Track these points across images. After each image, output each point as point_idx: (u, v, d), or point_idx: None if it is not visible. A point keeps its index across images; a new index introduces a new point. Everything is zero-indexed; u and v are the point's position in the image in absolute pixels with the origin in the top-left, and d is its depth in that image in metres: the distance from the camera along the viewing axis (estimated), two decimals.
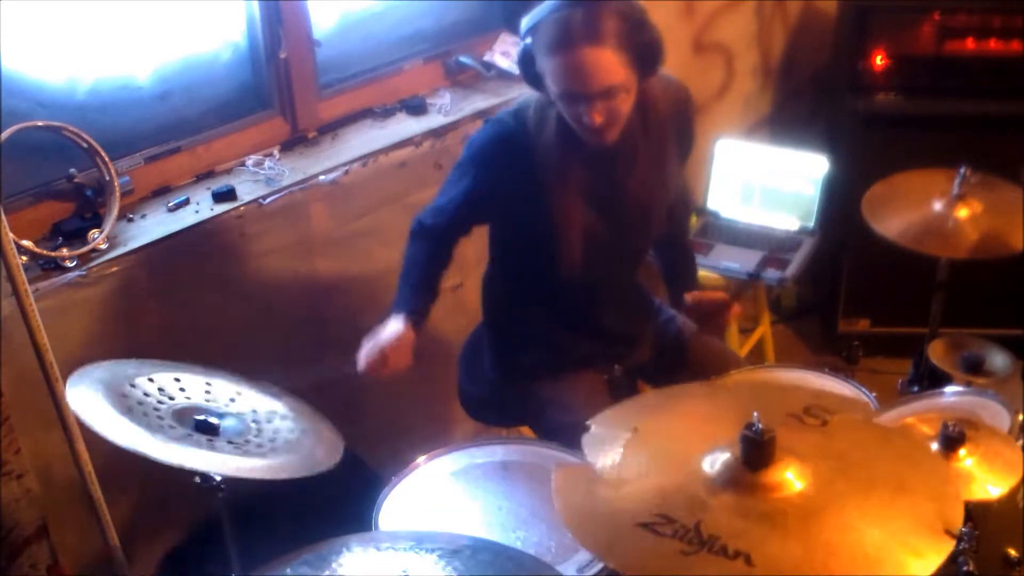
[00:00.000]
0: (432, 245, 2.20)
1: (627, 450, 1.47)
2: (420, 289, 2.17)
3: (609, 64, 1.89)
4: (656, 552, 1.27)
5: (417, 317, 2.11)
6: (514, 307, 2.27)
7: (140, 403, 1.69)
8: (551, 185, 2.05)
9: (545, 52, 1.91)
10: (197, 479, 1.65)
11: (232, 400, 1.81)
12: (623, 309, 2.29)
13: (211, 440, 1.67)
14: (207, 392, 1.80)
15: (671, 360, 2.34)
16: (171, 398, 1.75)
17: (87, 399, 1.64)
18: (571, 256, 2.10)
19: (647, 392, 2.37)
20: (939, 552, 1.26)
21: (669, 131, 2.13)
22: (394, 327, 2.07)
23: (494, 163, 2.08)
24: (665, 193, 2.19)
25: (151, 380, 1.76)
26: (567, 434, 2.13)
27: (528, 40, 1.94)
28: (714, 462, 1.40)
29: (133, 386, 1.72)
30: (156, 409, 1.70)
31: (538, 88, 2.00)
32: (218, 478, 1.65)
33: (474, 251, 2.78)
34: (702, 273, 2.99)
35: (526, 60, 1.97)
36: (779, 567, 1.24)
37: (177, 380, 1.79)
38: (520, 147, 2.04)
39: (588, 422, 1.56)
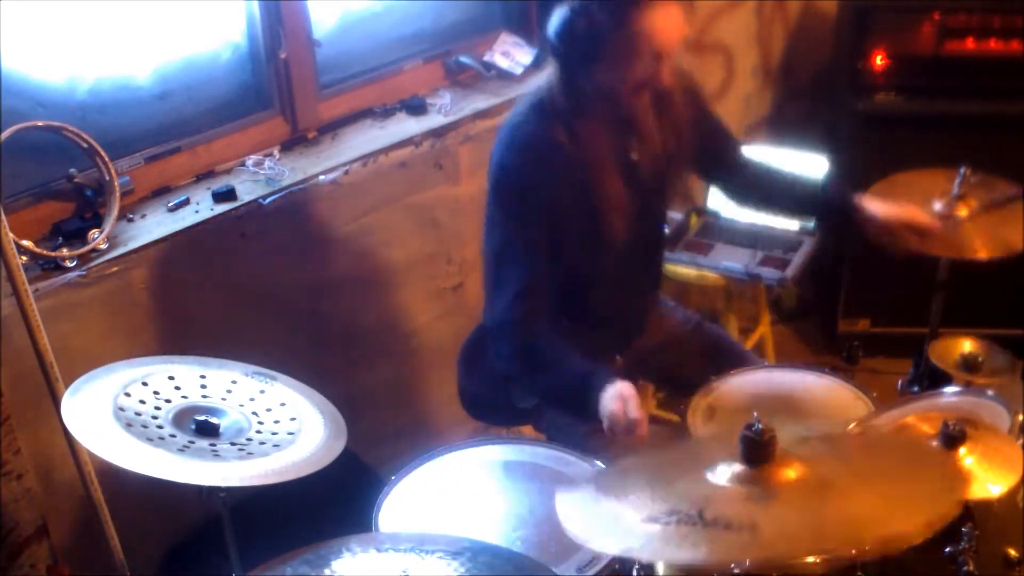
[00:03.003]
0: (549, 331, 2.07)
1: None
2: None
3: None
4: (662, 535, 1.28)
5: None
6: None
7: (138, 413, 1.67)
8: (593, 162, 2.05)
9: (628, 6, 1.90)
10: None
11: (229, 391, 1.80)
12: (635, 290, 2.30)
13: (214, 445, 1.66)
14: (203, 386, 1.79)
15: (672, 354, 2.34)
16: (168, 400, 1.74)
17: (87, 423, 1.62)
18: (615, 227, 2.09)
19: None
20: (949, 510, 1.27)
21: (683, 113, 2.13)
22: (620, 391, 1.91)
23: (540, 183, 2.03)
24: (680, 167, 2.21)
25: (145, 384, 1.75)
26: (572, 431, 2.14)
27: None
28: (715, 470, 1.40)
29: (128, 395, 1.70)
30: (155, 417, 1.68)
31: (577, 56, 1.96)
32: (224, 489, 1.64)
33: (474, 251, 2.79)
34: (703, 273, 3.00)
35: (579, 21, 1.92)
36: (784, 531, 1.25)
37: (171, 378, 1.79)
38: (554, 142, 2.03)
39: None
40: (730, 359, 2.28)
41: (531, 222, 2.04)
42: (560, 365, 2.02)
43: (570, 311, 2.21)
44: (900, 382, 2.67)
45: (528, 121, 2.05)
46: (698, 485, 1.39)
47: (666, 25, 1.93)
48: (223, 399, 1.78)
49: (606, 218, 2.09)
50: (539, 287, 2.05)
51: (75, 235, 2.15)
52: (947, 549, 1.58)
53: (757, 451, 1.37)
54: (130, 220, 2.25)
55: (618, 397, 1.89)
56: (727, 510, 1.31)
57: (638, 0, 1.90)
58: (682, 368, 2.31)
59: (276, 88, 2.51)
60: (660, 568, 1.60)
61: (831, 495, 1.32)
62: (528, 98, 2.09)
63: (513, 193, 2.05)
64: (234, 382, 1.82)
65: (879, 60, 3.13)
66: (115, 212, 2.18)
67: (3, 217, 1.85)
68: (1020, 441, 1.81)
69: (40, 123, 2.08)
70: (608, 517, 1.38)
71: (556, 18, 1.97)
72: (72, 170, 2.18)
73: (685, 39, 1.97)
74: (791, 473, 1.36)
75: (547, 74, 2.06)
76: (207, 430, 1.69)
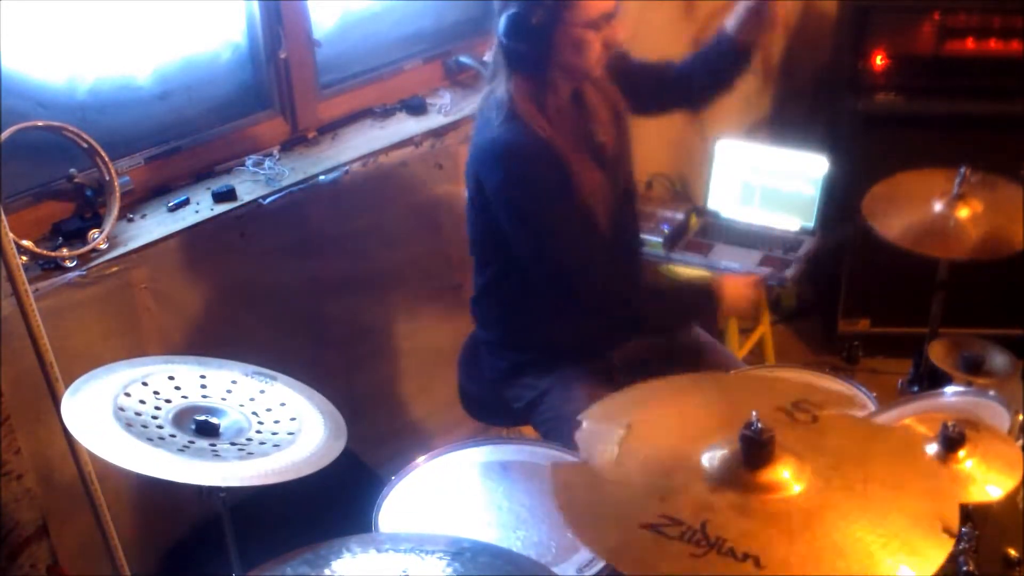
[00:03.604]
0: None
1: (622, 447, 1.47)
2: None
3: None
4: (666, 555, 1.28)
5: None
6: (520, 310, 2.27)
7: (138, 413, 1.67)
8: (571, 154, 2.09)
9: None
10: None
11: (229, 391, 1.80)
12: (622, 279, 2.31)
13: (214, 445, 1.66)
14: (203, 386, 1.79)
15: (670, 360, 2.35)
16: (168, 400, 1.73)
17: (87, 423, 1.61)
18: (598, 215, 2.14)
19: (636, 386, 2.36)
20: (940, 552, 1.27)
21: (611, 85, 2.22)
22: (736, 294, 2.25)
23: (542, 181, 2.08)
24: (629, 139, 2.28)
25: (145, 384, 1.75)
26: (567, 425, 2.15)
27: None
28: (713, 459, 1.40)
29: (128, 395, 1.70)
30: (155, 417, 1.68)
31: (536, 49, 2.03)
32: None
33: None
34: (703, 273, 3.00)
35: (530, 15, 2.00)
36: (787, 570, 1.24)
37: (171, 379, 1.79)
38: (539, 143, 2.06)
39: (579, 417, 1.56)
40: (722, 369, 2.28)
41: (554, 205, 2.09)
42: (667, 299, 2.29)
43: (562, 305, 2.22)
44: (900, 382, 2.67)
45: (510, 130, 2.07)
46: (697, 485, 1.39)
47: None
48: (223, 399, 1.77)
49: (590, 207, 2.12)
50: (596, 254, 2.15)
51: (75, 235, 2.16)
52: None
53: (757, 451, 1.37)
54: (130, 220, 2.25)
55: (741, 300, 2.23)
56: (730, 525, 1.30)
57: None
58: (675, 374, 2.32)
59: (276, 88, 2.51)
60: None
61: (831, 520, 1.31)
62: (495, 112, 2.10)
63: (527, 193, 2.07)
64: (234, 382, 1.82)
65: (879, 60, 3.13)
66: (115, 212, 2.18)
67: (3, 217, 1.85)
68: (1020, 442, 1.81)
69: (40, 123, 2.08)
70: (606, 517, 1.37)
71: (505, 21, 2.03)
72: (72, 170, 2.18)
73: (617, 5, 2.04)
74: (790, 486, 1.36)
75: (503, 85, 2.10)
76: (207, 430, 1.68)
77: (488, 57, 2.85)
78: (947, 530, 1.29)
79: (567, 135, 2.10)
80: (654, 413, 1.58)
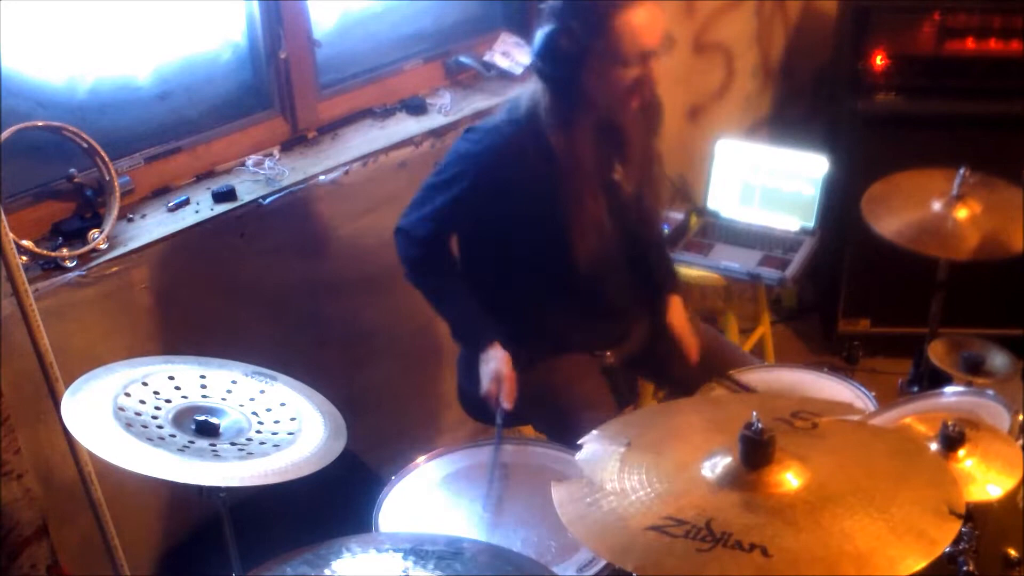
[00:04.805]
0: (438, 261, 2.22)
1: (624, 463, 1.47)
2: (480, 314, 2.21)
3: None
4: (672, 552, 1.28)
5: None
6: (503, 300, 2.27)
7: (138, 413, 1.67)
8: (566, 173, 2.07)
9: (606, 14, 1.93)
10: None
11: (229, 391, 1.80)
12: (618, 290, 2.30)
13: (214, 446, 1.66)
14: (203, 386, 1.79)
15: (667, 352, 2.34)
16: (168, 400, 1.73)
17: (87, 423, 1.61)
18: (584, 243, 2.12)
19: (633, 411, 2.37)
20: (948, 533, 1.28)
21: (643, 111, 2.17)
22: (496, 373, 2.13)
23: (489, 173, 2.09)
24: (657, 170, 2.24)
25: (145, 384, 1.75)
26: (566, 423, 2.15)
27: (564, 17, 1.96)
28: (714, 466, 1.40)
29: (128, 395, 1.70)
30: (155, 417, 1.68)
31: (564, 74, 1.99)
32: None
33: None
34: (703, 273, 3.00)
35: (560, 39, 1.97)
36: (796, 558, 1.25)
37: (171, 379, 1.79)
38: (519, 152, 2.05)
39: (580, 441, 1.56)
40: (725, 357, 2.28)
41: (460, 191, 2.10)
42: (449, 303, 2.23)
43: (528, 321, 2.23)
44: (900, 382, 2.67)
45: (498, 128, 2.10)
46: (699, 489, 1.39)
47: (645, 24, 1.95)
48: (223, 399, 1.77)
49: (574, 235, 2.10)
50: (445, 238, 2.21)
51: (75, 235, 2.15)
52: (947, 549, 1.58)
53: (757, 451, 1.37)
54: (130, 220, 2.25)
55: (494, 379, 2.11)
56: (734, 520, 1.31)
57: (614, 4, 1.93)
58: (678, 367, 2.31)
59: (276, 88, 2.51)
60: None
61: (836, 511, 1.32)
62: (505, 111, 2.12)
63: (467, 175, 2.10)
64: (234, 382, 1.82)
65: (879, 60, 3.13)
66: (115, 212, 2.18)
67: (3, 217, 1.85)
68: (1020, 441, 1.81)
69: (40, 123, 2.07)
70: (609, 523, 1.37)
71: (538, 40, 2.01)
72: (72, 170, 2.18)
73: (667, 35, 1.99)
74: (792, 482, 1.36)
75: (529, 92, 2.09)
76: (207, 430, 1.68)
77: (488, 57, 2.87)
78: (954, 512, 1.30)
79: (580, 157, 2.07)
80: (652, 432, 1.60)
